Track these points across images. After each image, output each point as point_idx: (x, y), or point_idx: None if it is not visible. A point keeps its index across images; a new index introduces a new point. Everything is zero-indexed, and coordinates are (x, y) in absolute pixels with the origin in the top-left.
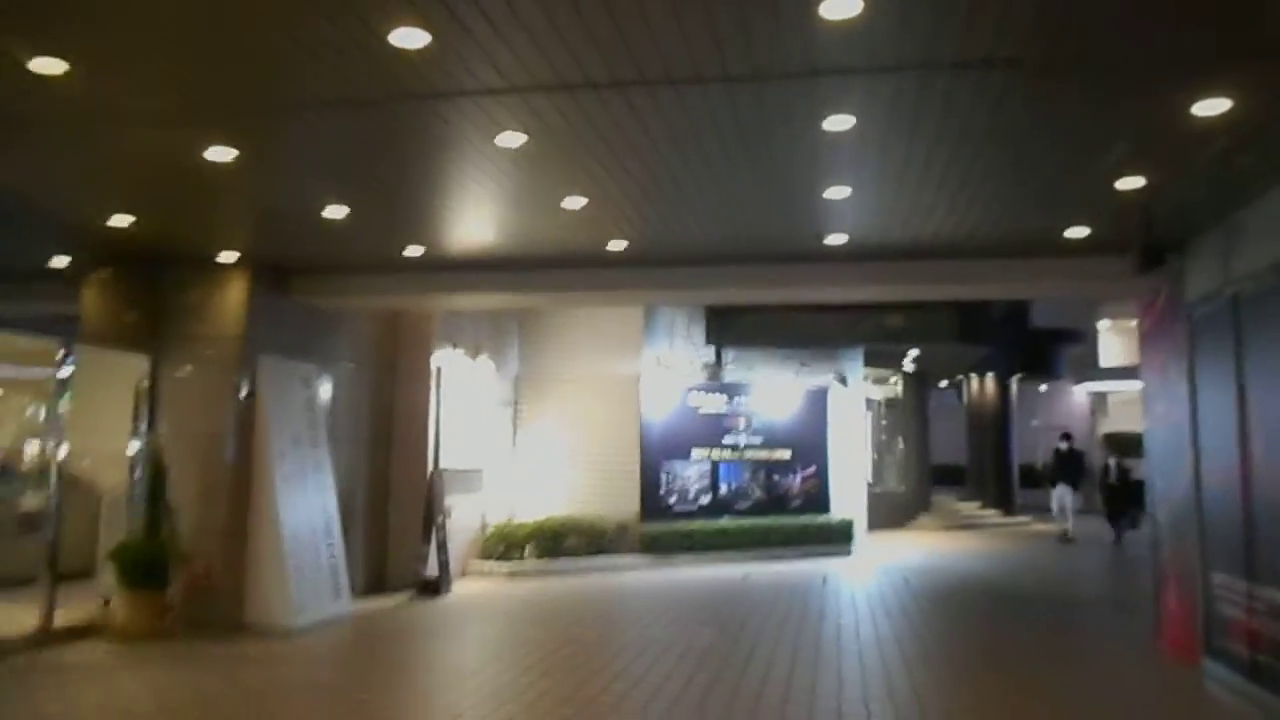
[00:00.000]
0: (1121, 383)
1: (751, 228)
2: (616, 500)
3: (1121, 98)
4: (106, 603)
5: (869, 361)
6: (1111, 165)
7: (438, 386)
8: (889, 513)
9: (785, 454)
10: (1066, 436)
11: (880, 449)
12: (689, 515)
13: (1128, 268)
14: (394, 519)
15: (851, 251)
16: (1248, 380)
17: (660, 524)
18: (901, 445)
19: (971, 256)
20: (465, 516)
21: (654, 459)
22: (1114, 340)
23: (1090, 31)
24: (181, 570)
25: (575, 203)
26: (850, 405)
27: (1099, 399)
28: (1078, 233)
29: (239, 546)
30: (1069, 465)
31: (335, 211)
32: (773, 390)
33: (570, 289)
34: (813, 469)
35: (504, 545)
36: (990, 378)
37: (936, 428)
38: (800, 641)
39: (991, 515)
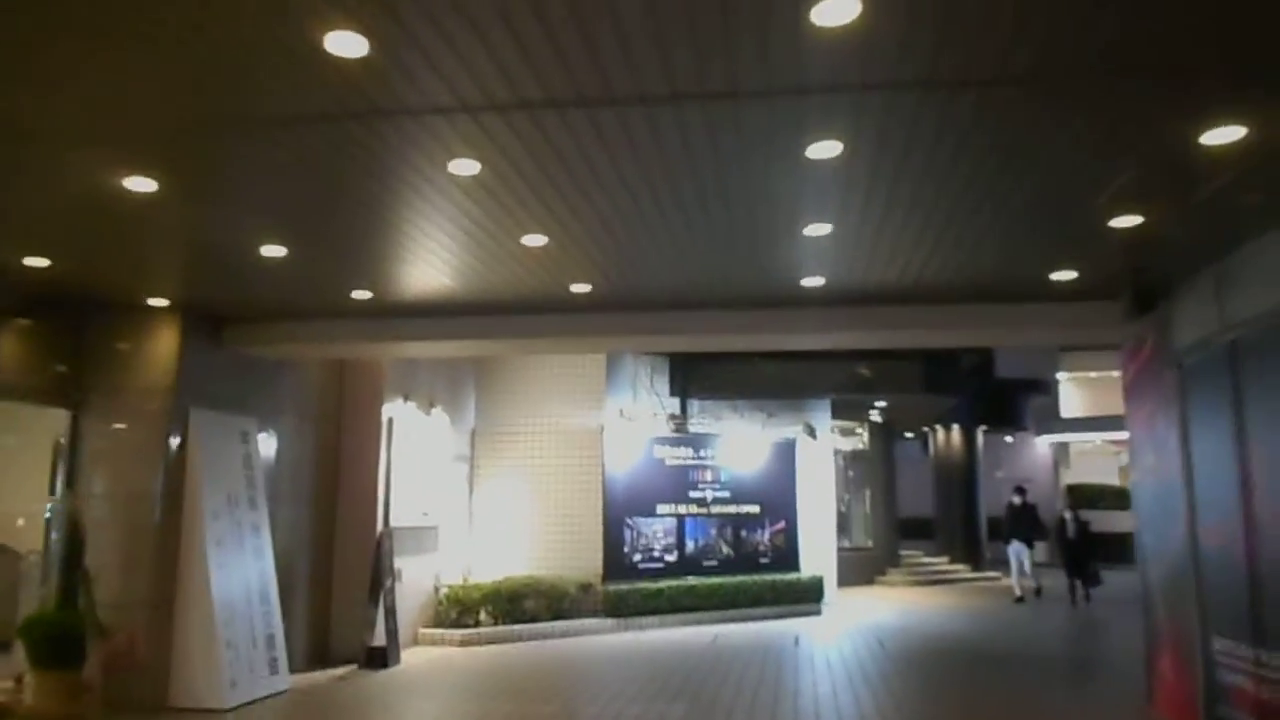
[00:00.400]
0: (1083, 434)
1: (726, 269)
2: (578, 559)
3: (1128, 123)
4: (18, 681)
5: (836, 412)
6: (1110, 199)
7: (388, 440)
8: (857, 568)
9: (753, 508)
10: (1020, 490)
11: (847, 502)
12: (655, 574)
13: (1116, 313)
14: (339, 583)
15: (830, 296)
16: (1249, 431)
17: (625, 584)
18: (868, 498)
19: (955, 301)
20: (417, 579)
21: (618, 515)
22: (1074, 391)
23: (1101, 50)
24: (100, 645)
25: (536, 241)
26: (818, 457)
27: (1061, 450)
28: (1065, 276)
29: (165, 618)
30: (1023, 520)
31: (273, 251)
32: (740, 442)
33: (531, 335)
34: (781, 524)
35: (458, 609)
36: (956, 429)
37: (903, 480)
38: (778, 713)
39: (960, 570)
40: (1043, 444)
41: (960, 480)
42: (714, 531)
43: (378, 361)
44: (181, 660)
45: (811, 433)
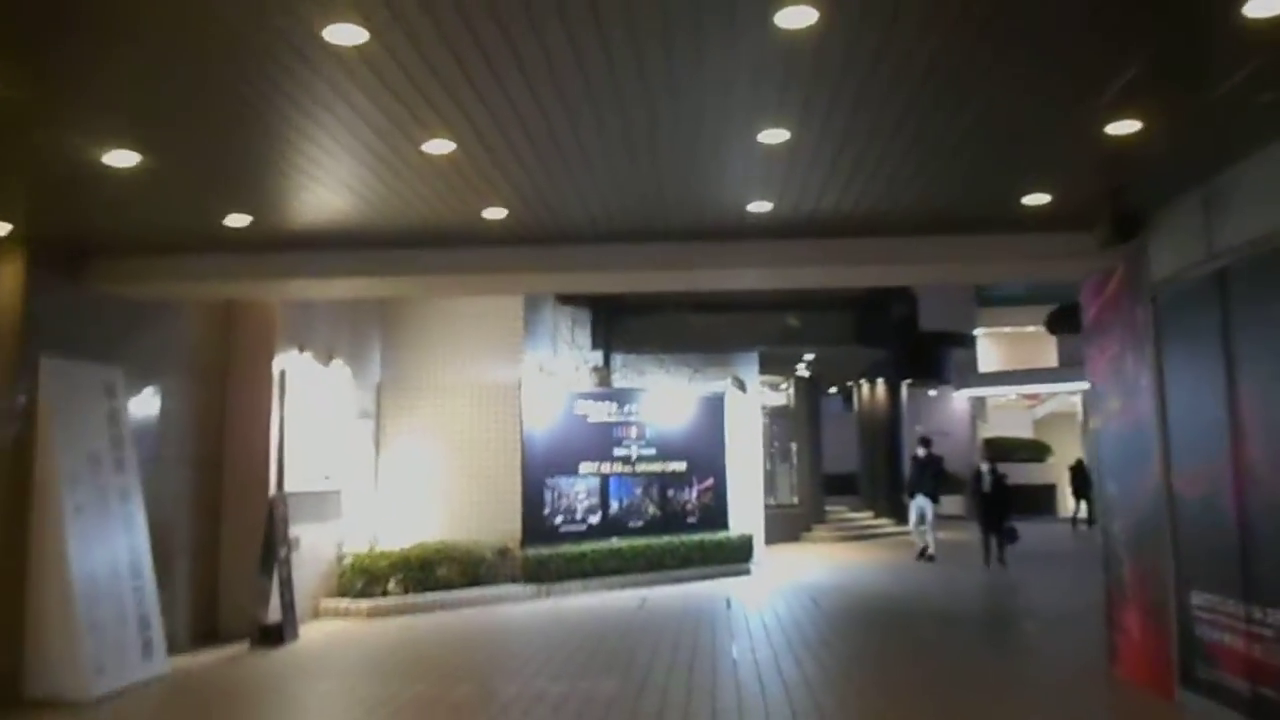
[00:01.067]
0: (1000, 388)
1: (663, 189)
2: (495, 522)
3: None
4: None
5: (763, 367)
6: (1114, 97)
7: (282, 396)
8: (783, 525)
9: (680, 466)
10: (925, 441)
11: (773, 459)
12: (577, 536)
13: (1087, 244)
14: (227, 554)
15: (778, 225)
16: (1239, 369)
17: (545, 547)
18: (794, 454)
19: (916, 232)
20: (317, 547)
21: (537, 475)
22: (990, 347)
23: None
24: None
25: (440, 147)
26: (746, 413)
27: (978, 404)
28: (1038, 200)
29: (14, 598)
30: (928, 474)
31: (120, 158)
32: (666, 397)
33: (440, 272)
34: (709, 482)
35: (364, 579)
36: (880, 383)
37: (828, 436)
38: (718, 686)
39: (885, 524)
40: (961, 399)
41: (884, 435)
42: (640, 491)
43: (268, 306)
44: (36, 646)
45: (741, 386)
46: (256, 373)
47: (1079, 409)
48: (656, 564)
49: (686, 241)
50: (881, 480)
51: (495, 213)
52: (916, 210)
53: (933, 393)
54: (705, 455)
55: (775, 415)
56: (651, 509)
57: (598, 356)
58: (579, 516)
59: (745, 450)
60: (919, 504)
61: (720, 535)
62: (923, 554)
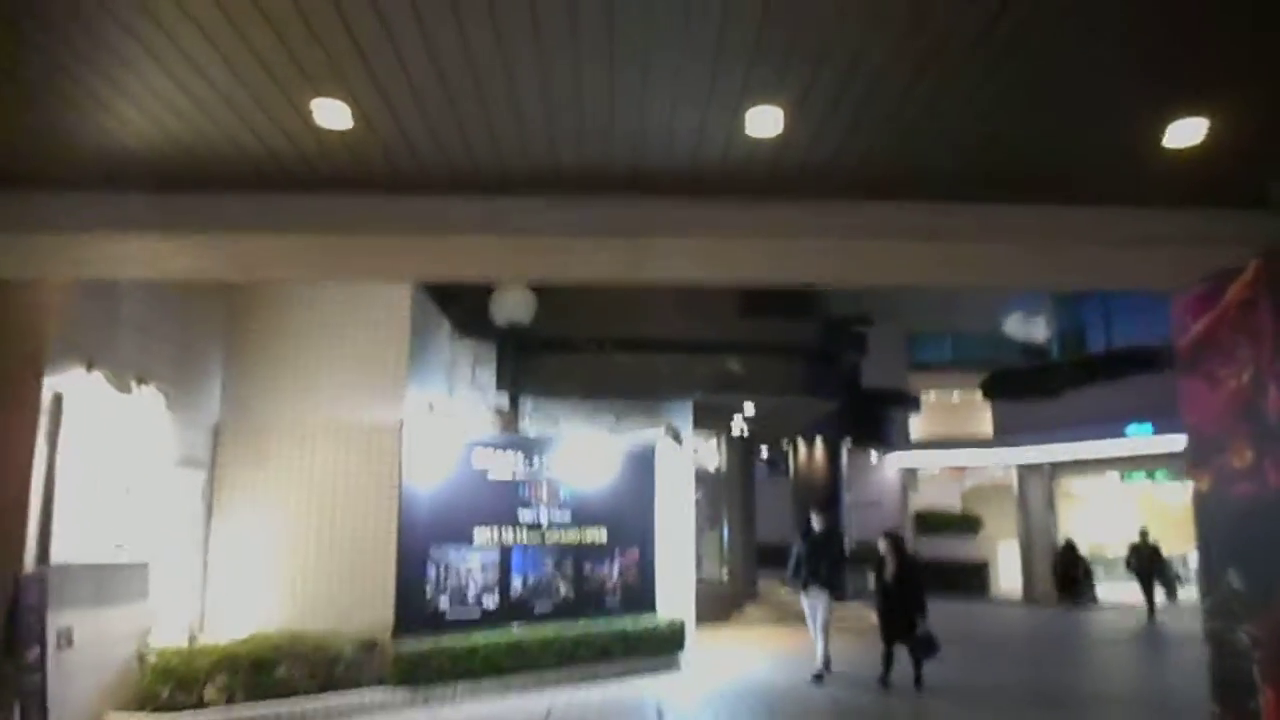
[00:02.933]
0: (935, 454)
1: (614, 79)
2: (361, 607)
3: None
4: None
5: (698, 420)
6: None
7: (53, 431)
8: (712, 604)
9: (600, 535)
10: (819, 507)
11: (701, 526)
12: (468, 625)
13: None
14: None
15: (788, 169)
16: None
17: (425, 640)
18: (725, 523)
19: (980, 195)
20: (104, 642)
21: (418, 545)
22: (920, 414)
23: None
24: None
25: None
26: (679, 470)
27: (909, 474)
28: (1188, 134)
29: None
30: (823, 556)
31: None
32: (585, 449)
33: (251, 226)
34: (635, 554)
35: (172, 684)
36: (819, 444)
37: (760, 502)
38: None
39: None
40: (892, 467)
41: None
42: (550, 565)
43: (34, 298)
44: None
45: (676, 436)
46: (12, 396)
47: (1013, 480)
48: (568, 659)
49: (638, 196)
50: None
51: (331, 112)
52: (989, 160)
53: (874, 455)
54: (631, 521)
55: (703, 478)
56: (564, 588)
57: (504, 400)
58: (471, 599)
59: (676, 515)
60: (812, 601)
61: (646, 621)
62: (820, 674)
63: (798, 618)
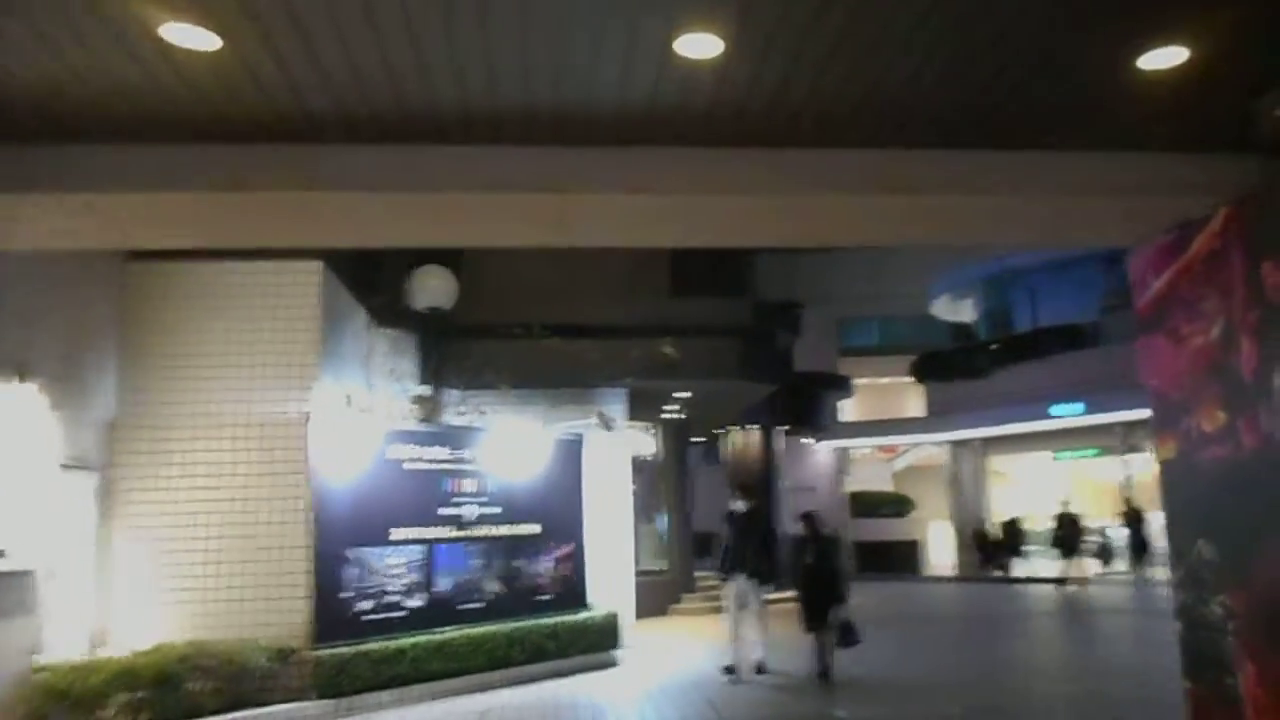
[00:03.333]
0: (867, 439)
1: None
2: (274, 614)
3: None
4: None
5: (631, 407)
6: None
7: None
8: (649, 596)
9: (532, 528)
10: (744, 490)
11: (637, 517)
12: (392, 628)
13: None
14: None
15: (725, 110)
16: None
17: (345, 646)
18: (662, 512)
19: (949, 140)
20: None
21: (336, 544)
22: (857, 395)
23: None
24: None
25: None
26: (613, 460)
27: (843, 456)
28: (1159, 63)
29: None
30: (750, 541)
31: None
32: (513, 440)
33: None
34: (568, 547)
35: (66, 705)
36: (753, 431)
37: (695, 491)
38: None
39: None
40: (825, 450)
41: (758, 487)
42: (478, 562)
43: None
44: None
45: (608, 425)
46: None
47: (945, 460)
48: (500, 660)
49: (562, 146)
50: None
51: (196, 38)
52: (955, 95)
53: (807, 441)
54: (562, 513)
55: (639, 468)
56: (494, 586)
57: (426, 391)
58: (394, 600)
59: (612, 506)
60: (738, 589)
61: (580, 616)
62: (732, 668)
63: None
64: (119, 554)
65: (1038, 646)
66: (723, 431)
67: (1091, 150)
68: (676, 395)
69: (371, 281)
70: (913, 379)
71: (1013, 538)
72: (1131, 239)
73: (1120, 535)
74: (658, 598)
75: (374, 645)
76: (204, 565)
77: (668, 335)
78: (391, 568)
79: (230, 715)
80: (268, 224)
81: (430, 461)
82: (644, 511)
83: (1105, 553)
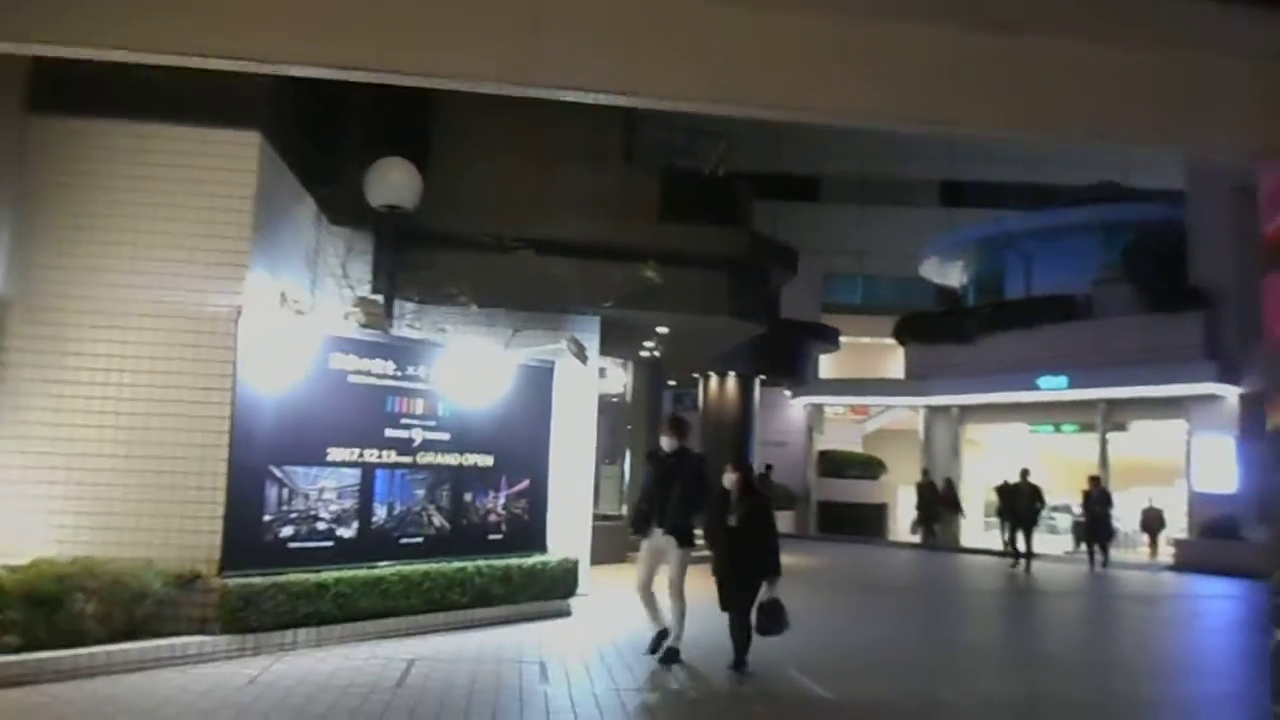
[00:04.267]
0: (842, 397)
1: None
2: (178, 532)
3: None
4: None
5: (606, 340)
6: None
7: None
8: (607, 542)
9: (486, 460)
10: (674, 427)
11: (600, 459)
12: (317, 559)
13: None
14: None
15: None
16: None
17: (259, 576)
18: (628, 456)
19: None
20: None
21: (257, 459)
22: (828, 356)
23: None
24: None
25: None
26: (581, 393)
27: (816, 414)
28: None
29: None
30: (674, 490)
31: None
32: (472, 361)
33: None
34: (525, 484)
35: None
36: (732, 378)
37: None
38: None
39: None
40: (798, 406)
41: (733, 438)
42: (422, 493)
43: None
44: None
45: (580, 352)
46: None
47: (919, 424)
48: (439, 602)
49: None
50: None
51: None
52: None
53: (788, 392)
54: (522, 447)
55: (606, 407)
56: (438, 520)
57: (379, 300)
58: (323, 528)
59: (576, 444)
60: (654, 546)
61: (535, 560)
62: (658, 642)
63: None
64: (2, 453)
65: (977, 629)
66: (699, 376)
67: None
68: (657, 330)
69: (323, 169)
70: (894, 341)
71: (952, 498)
72: (1262, 139)
73: (1082, 514)
74: (615, 544)
75: (294, 577)
76: (101, 473)
77: (653, 260)
78: (323, 491)
79: (117, 646)
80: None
81: (377, 376)
82: (607, 453)
83: (1076, 530)
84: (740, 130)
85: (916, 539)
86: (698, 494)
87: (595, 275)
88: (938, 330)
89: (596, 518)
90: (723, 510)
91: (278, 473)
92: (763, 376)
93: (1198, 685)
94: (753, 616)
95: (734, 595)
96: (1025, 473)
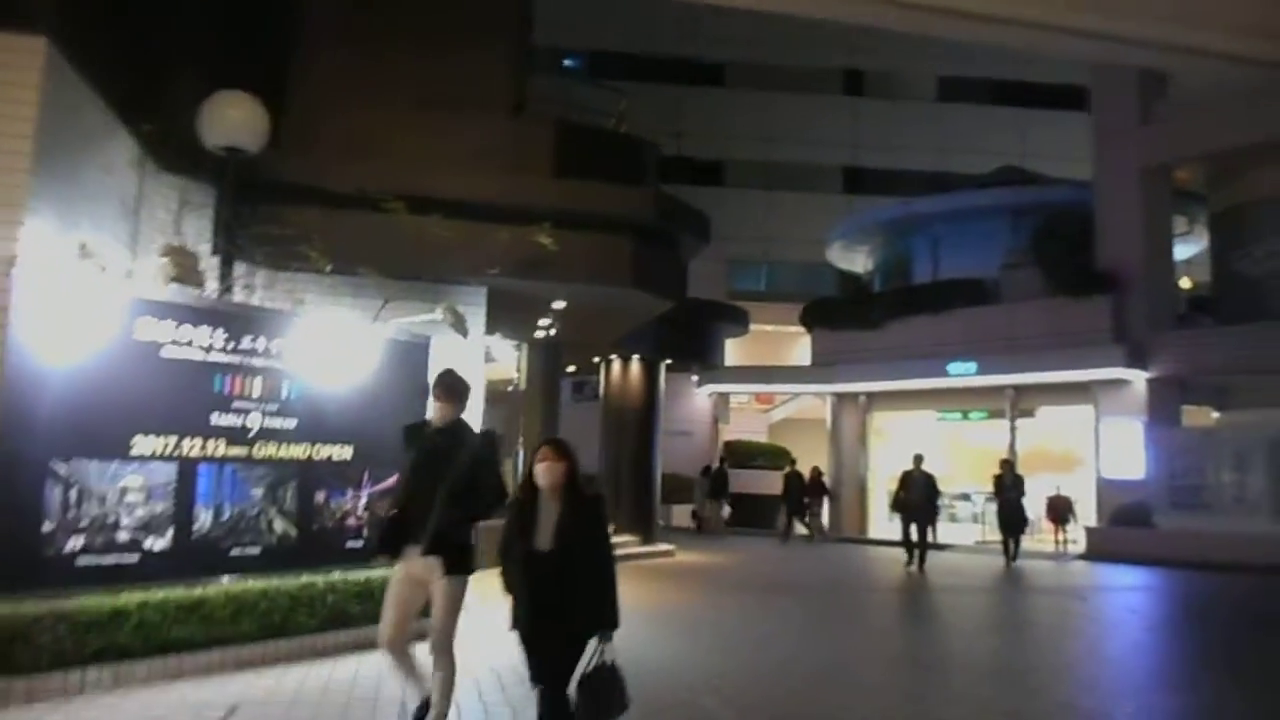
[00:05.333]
0: (749, 386)
1: None
2: None
3: None
4: None
5: (493, 315)
6: None
7: None
8: (492, 545)
9: (344, 452)
10: (446, 391)
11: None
12: (118, 579)
13: None
14: None
15: None
16: None
17: (34, 602)
18: (520, 450)
19: None
20: None
21: (31, 452)
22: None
23: None
24: None
25: None
26: (466, 370)
27: (722, 403)
28: None
29: None
30: (441, 480)
31: None
32: (328, 335)
33: None
34: (394, 480)
35: None
36: (635, 363)
37: (565, 428)
38: None
39: (628, 543)
40: (703, 394)
41: (636, 429)
42: (260, 492)
43: None
44: None
45: (459, 323)
46: None
47: (826, 413)
48: (280, 627)
49: None
50: (627, 487)
51: None
52: None
53: (695, 378)
54: (391, 437)
55: (498, 396)
56: (280, 526)
57: (216, 262)
58: (125, 538)
59: None
60: (410, 572)
61: None
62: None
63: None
64: None
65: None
66: (600, 361)
67: None
68: (553, 305)
69: (146, 101)
70: (799, 329)
71: (820, 485)
72: None
73: (995, 502)
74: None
75: (83, 602)
76: None
77: (548, 222)
78: (126, 493)
79: None
80: None
81: (203, 349)
82: (502, 448)
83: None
84: (640, 110)
85: (803, 532)
86: (473, 492)
87: (480, 238)
88: (845, 315)
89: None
90: (524, 523)
91: (61, 469)
92: (669, 361)
93: (1171, 700)
94: (572, 693)
95: (545, 660)
96: (919, 459)
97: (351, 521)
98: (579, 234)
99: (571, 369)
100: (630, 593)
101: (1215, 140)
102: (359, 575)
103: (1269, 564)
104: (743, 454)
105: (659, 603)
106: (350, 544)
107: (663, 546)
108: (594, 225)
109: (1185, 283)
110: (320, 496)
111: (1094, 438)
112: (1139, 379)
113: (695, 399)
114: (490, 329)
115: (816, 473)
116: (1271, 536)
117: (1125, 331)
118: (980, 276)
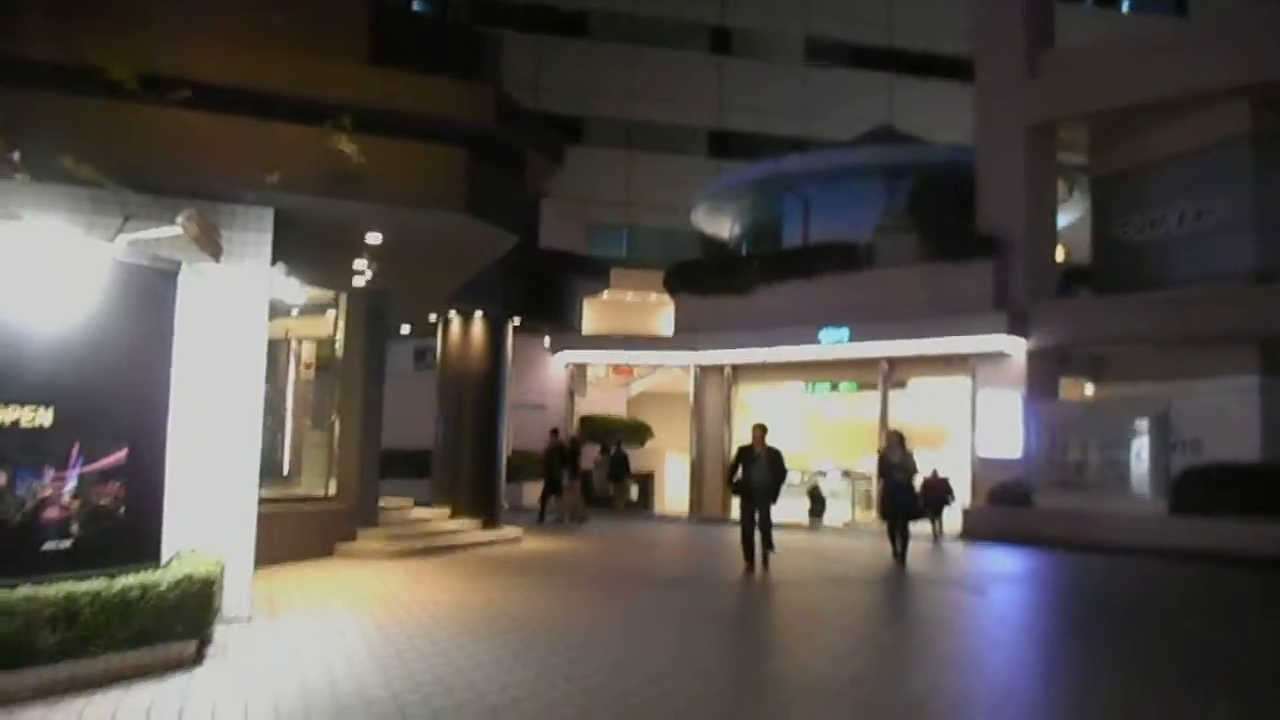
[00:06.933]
0: (607, 353)
1: None
2: None
3: None
4: None
5: (292, 255)
6: None
7: None
8: (307, 531)
9: (38, 416)
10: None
11: (298, 423)
12: None
13: None
14: None
15: None
16: None
17: None
18: (337, 420)
19: None
20: None
21: None
22: (589, 312)
23: None
24: None
25: None
26: (238, 314)
27: (579, 375)
28: None
29: None
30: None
31: None
32: (30, 259)
33: None
34: (120, 454)
35: None
36: (479, 320)
37: (395, 396)
38: None
39: (465, 529)
40: (558, 364)
41: (479, 397)
42: None
43: None
44: None
45: (207, 237)
46: None
47: (689, 386)
48: None
49: None
50: (466, 463)
51: None
52: None
53: (548, 340)
54: (116, 396)
55: (314, 358)
56: None
57: None
58: None
59: (229, 391)
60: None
61: (134, 580)
62: None
63: (432, 550)
64: None
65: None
66: (438, 320)
67: None
68: (367, 239)
69: None
70: (660, 297)
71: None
72: None
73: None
74: (321, 534)
75: None
76: None
77: (356, 122)
78: None
79: None
80: None
81: None
82: (319, 415)
83: (817, 501)
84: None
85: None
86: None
87: (262, 139)
88: (712, 280)
89: (291, 500)
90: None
91: None
92: (518, 319)
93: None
94: None
95: None
96: (762, 431)
97: (52, 514)
98: (397, 142)
99: (406, 329)
100: (457, 589)
101: (1104, 98)
102: (58, 590)
103: (1155, 546)
104: (600, 430)
105: (485, 603)
106: (49, 546)
107: (509, 532)
108: (417, 131)
109: (1059, 253)
110: (11, 480)
111: (970, 412)
112: (1019, 350)
113: (549, 368)
114: (295, 271)
115: (576, 443)
116: (1154, 516)
117: (1007, 298)
118: (854, 240)
